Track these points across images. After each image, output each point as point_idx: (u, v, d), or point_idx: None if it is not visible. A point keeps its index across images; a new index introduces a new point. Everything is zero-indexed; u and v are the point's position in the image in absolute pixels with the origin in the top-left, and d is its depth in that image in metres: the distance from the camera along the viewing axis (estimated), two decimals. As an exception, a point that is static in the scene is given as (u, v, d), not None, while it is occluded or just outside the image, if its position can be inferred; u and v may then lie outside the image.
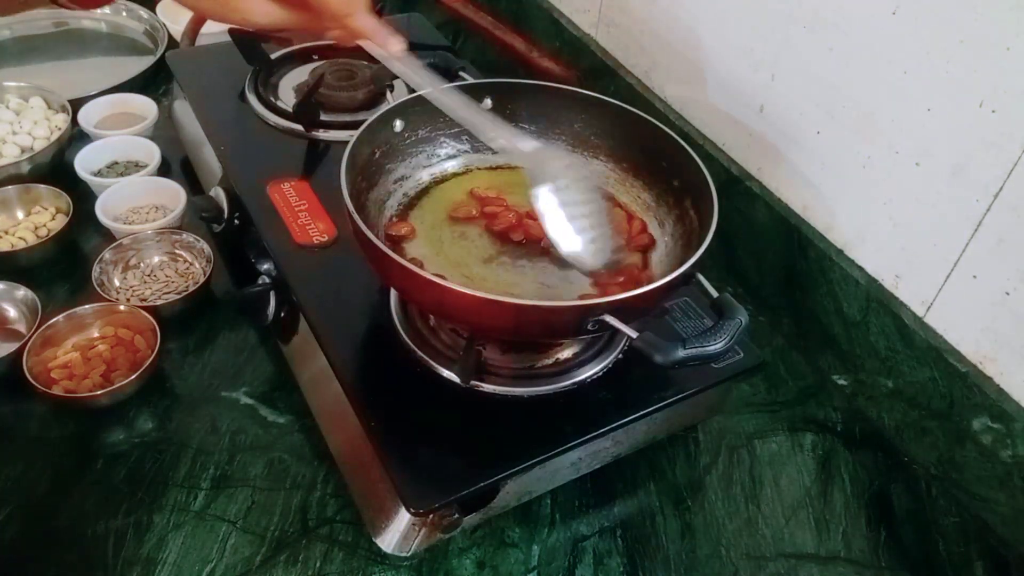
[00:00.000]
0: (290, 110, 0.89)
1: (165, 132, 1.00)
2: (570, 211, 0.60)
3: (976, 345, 0.70)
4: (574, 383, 0.66)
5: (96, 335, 0.76)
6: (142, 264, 0.84)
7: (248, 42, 0.94)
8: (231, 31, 0.94)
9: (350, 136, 0.65)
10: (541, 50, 1.12)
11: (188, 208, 0.87)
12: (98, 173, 0.93)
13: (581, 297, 0.65)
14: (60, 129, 0.96)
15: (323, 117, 0.89)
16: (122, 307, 0.76)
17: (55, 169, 0.93)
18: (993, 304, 0.67)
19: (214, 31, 1.08)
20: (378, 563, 0.63)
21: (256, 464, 0.68)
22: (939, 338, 0.72)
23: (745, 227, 0.89)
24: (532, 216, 0.71)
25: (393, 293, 0.70)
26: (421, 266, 0.63)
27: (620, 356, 0.68)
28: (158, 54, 1.14)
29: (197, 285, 0.79)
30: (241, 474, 0.68)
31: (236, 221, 0.82)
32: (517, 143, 0.61)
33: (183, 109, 0.97)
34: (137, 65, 1.12)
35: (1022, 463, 0.67)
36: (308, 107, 0.87)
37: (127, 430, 0.70)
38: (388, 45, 0.57)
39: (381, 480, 0.60)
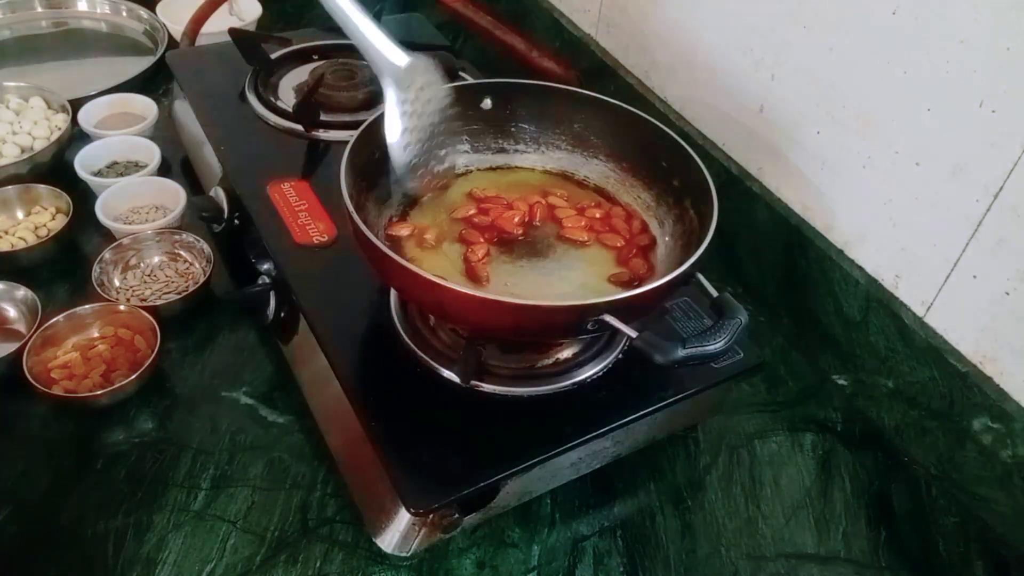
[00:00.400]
0: (290, 110, 0.89)
1: (165, 132, 1.00)
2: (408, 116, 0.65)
3: (976, 345, 0.70)
4: (574, 383, 0.66)
5: (96, 335, 0.76)
6: (142, 264, 0.84)
7: (248, 42, 0.94)
8: (231, 30, 0.94)
9: (350, 136, 0.65)
10: (541, 50, 1.12)
11: (188, 208, 0.87)
12: (98, 173, 0.93)
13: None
14: (60, 129, 0.96)
15: (323, 117, 0.89)
16: (122, 307, 0.76)
17: (55, 169, 0.93)
18: (993, 304, 0.67)
19: (214, 31, 1.08)
20: (378, 563, 0.63)
21: (256, 464, 0.68)
22: (939, 338, 0.72)
23: (745, 227, 0.89)
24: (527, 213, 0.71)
25: (393, 293, 0.70)
26: (421, 266, 0.63)
27: (620, 356, 0.68)
28: (158, 54, 1.14)
29: (197, 285, 0.79)
30: (241, 474, 0.68)
31: (236, 221, 0.82)
32: (392, 57, 0.64)
33: (183, 109, 0.97)
34: (137, 65, 1.12)
35: (1022, 463, 0.67)
36: (308, 107, 0.87)
37: (127, 430, 0.70)
38: None
39: (381, 480, 0.60)
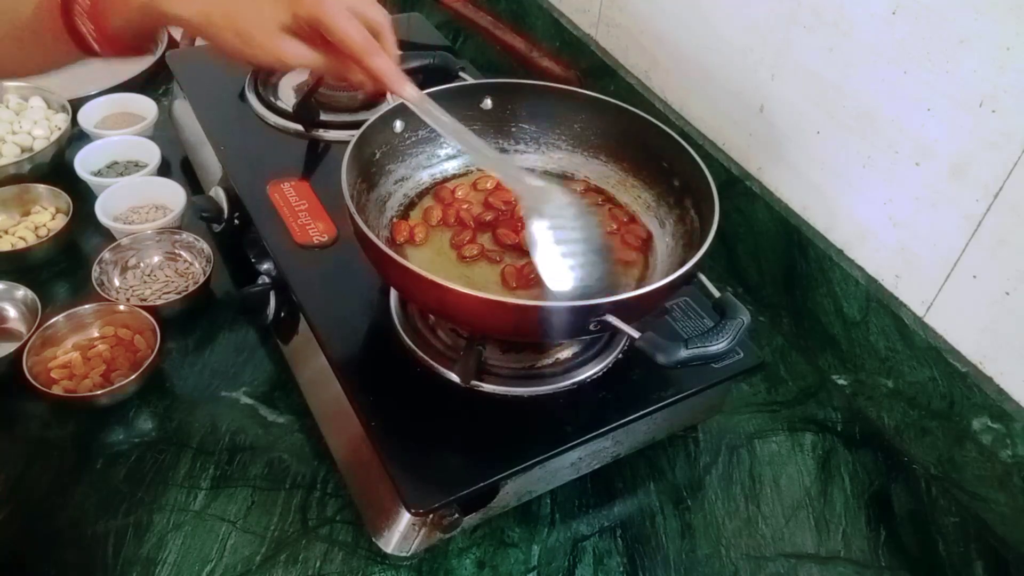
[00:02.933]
0: (290, 110, 0.89)
1: (165, 132, 1.00)
2: (563, 248, 0.59)
3: (976, 345, 0.70)
4: (574, 383, 0.66)
5: (96, 335, 0.75)
6: (142, 264, 0.84)
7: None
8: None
9: (350, 136, 0.65)
10: (541, 50, 1.12)
11: (188, 208, 0.87)
12: (98, 173, 0.93)
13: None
14: (60, 129, 0.96)
15: (323, 117, 0.89)
16: (122, 307, 0.76)
17: (55, 169, 0.93)
18: (993, 304, 0.67)
19: (214, 31, 1.08)
20: (378, 563, 0.63)
21: (256, 464, 0.68)
22: (939, 338, 0.72)
23: (745, 227, 0.89)
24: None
25: (393, 293, 0.70)
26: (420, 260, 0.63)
27: (620, 356, 0.68)
28: (158, 54, 1.14)
29: (197, 285, 0.79)
30: (241, 474, 0.68)
31: (236, 221, 0.82)
32: (527, 180, 0.61)
33: (183, 109, 0.97)
34: (137, 65, 1.11)
35: (1022, 463, 0.67)
36: (308, 107, 0.87)
37: (127, 430, 0.70)
38: (403, 90, 0.59)
39: (381, 480, 0.60)
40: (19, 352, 0.70)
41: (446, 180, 0.76)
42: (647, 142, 0.72)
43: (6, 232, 0.85)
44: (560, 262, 0.58)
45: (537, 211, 0.59)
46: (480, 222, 0.71)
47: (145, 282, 0.82)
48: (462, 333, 0.66)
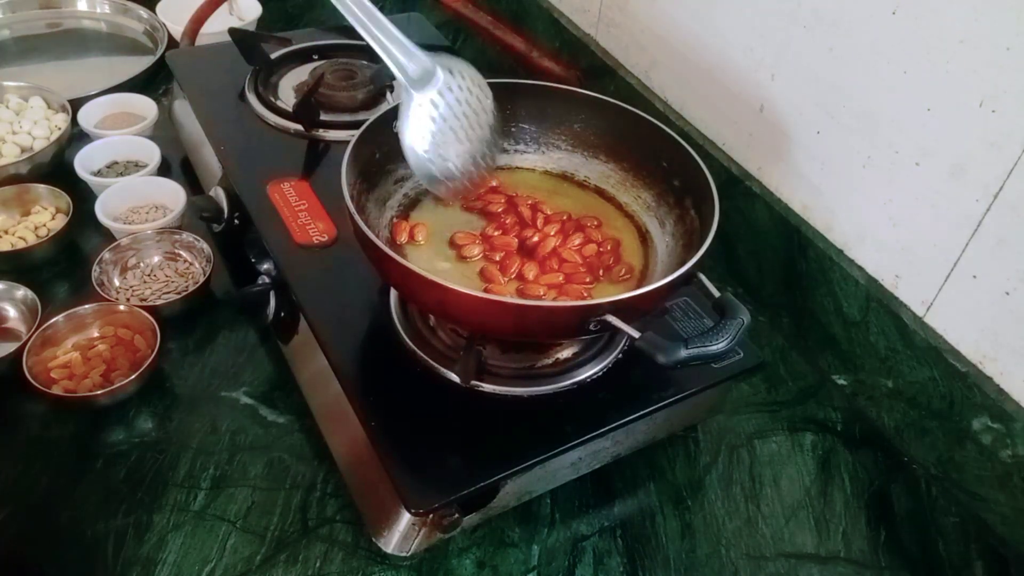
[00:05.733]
0: (290, 110, 0.89)
1: (165, 132, 1.00)
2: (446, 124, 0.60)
3: (976, 345, 0.70)
4: (574, 383, 0.66)
5: (96, 335, 0.75)
6: (142, 264, 0.84)
7: (248, 42, 0.94)
8: (231, 30, 0.94)
9: (350, 136, 0.65)
10: (541, 50, 1.12)
11: (188, 208, 0.87)
12: (98, 173, 0.93)
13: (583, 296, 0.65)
14: (60, 129, 0.96)
15: (323, 117, 0.89)
16: (122, 307, 0.76)
17: (55, 169, 0.93)
18: (993, 304, 0.67)
19: (214, 31, 1.08)
20: (378, 563, 0.63)
21: (256, 464, 0.68)
22: (939, 338, 0.72)
23: (745, 227, 0.89)
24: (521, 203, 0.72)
25: (393, 293, 0.70)
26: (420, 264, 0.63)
27: (620, 356, 0.68)
28: (158, 54, 1.14)
29: (197, 285, 0.79)
30: (241, 474, 0.68)
31: (236, 221, 0.82)
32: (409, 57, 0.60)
33: (183, 109, 0.97)
34: (137, 65, 1.11)
35: (1022, 463, 0.67)
36: (308, 107, 0.87)
37: (127, 430, 0.70)
38: None
39: (381, 480, 0.60)
40: (19, 352, 0.70)
41: (446, 180, 0.76)
42: (647, 142, 0.72)
43: (6, 232, 0.85)
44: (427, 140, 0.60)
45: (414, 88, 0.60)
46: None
47: (145, 282, 0.82)
48: (462, 333, 0.66)
